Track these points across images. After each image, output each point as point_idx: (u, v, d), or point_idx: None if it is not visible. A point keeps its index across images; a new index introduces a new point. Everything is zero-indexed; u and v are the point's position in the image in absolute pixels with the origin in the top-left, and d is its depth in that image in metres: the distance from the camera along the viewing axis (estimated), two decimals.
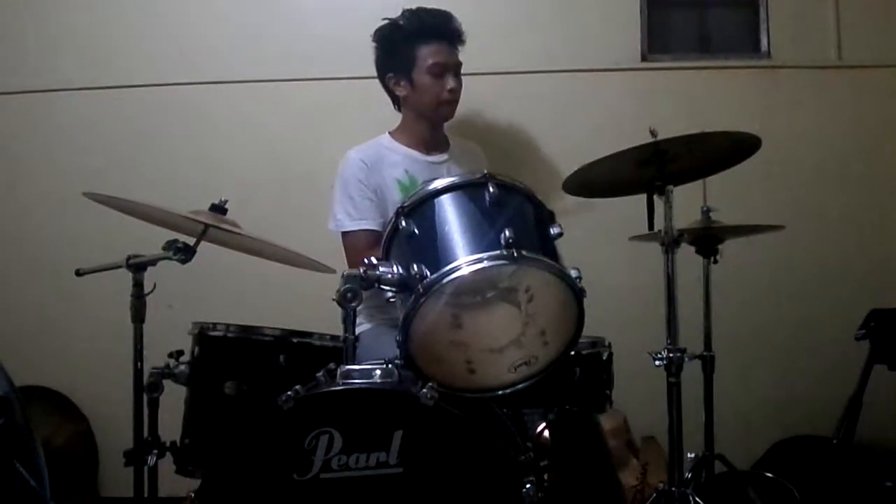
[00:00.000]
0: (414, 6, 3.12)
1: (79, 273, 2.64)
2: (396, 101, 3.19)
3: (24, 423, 2.14)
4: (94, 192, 2.49)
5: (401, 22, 3.10)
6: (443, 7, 3.12)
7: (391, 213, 2.19)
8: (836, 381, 3.35)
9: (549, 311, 2.06)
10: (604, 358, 2.60)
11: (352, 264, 2.82)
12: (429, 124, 3.14)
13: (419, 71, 3.04)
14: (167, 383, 2.46)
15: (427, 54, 3.03)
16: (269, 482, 1.89)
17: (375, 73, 3.18)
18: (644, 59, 3.81)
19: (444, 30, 3.08)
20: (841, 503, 3.20)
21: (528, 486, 1.96)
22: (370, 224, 2.95)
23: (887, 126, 3.75)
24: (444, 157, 3.16)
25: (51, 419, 3.64)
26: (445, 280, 1.92)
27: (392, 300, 2.07)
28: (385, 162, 3.05)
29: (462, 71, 3.11)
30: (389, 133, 3.17)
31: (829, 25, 3.77)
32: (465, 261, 1.94)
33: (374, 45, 3.16)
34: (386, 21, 3.13)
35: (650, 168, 2.61)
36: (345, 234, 2.98)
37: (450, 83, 3.05)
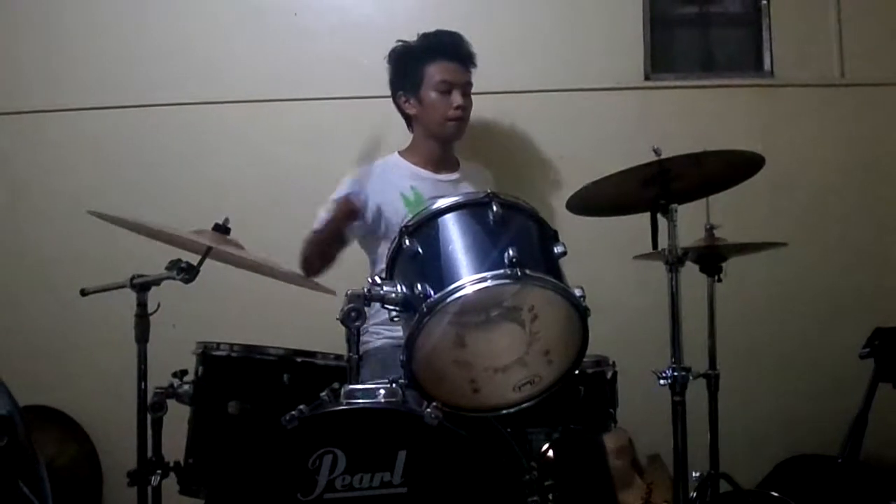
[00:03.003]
0: (421, 28, 3.18)
1: (83, 293, 2.64)
2: (409, 120, 3.23)
3: (27, 443, 2.14)
4: (98, 212, 2.50)
5: (412, 43, 3.16)
6: (447, 28, 3.17)
7: (395, 228, 2.19)
8: (841, 400, 3.33)
9: (554, 330, 2.05)
10: (608, 377, 2.60)
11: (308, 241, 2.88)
12: (438, 143, 3.17)
13: (427, 88, 3.09)
14: (171, 403, 2.46)
15: (435, 72, 3.08)
16: (272, 502, 1.88)
17: (382, 93, 3.24)
18: (647, 77, 3.82)
19: (453, 49, 3.13)
20: None
21: None
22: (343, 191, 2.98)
23: (890, 143, 3.75)
24: (454, 176, 3.19)
25: (54, 439, 3.63)
26: (449, 299, 1.92)
27: (396, 319, 2.07)
28: (391, 176, 3.09)
29: None
30: (399, 152, 3.22)
31: (831, 44, 3.78)
32: (468, 280, 1.94)
33: (387, 65, 3.22)
34: (400, 42, 3.18)
35: (654, 187, 2.61)
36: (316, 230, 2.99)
37: (457, 100, 3.08)
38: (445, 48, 3.13)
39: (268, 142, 3.82)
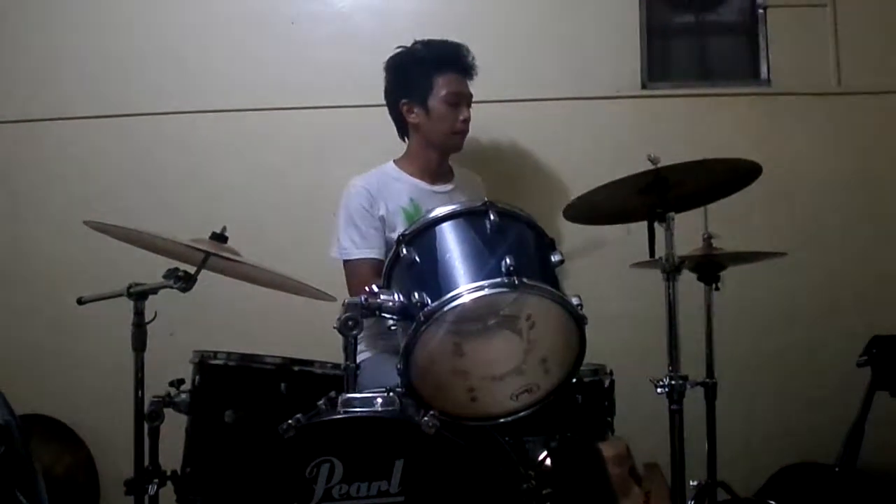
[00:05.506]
0: (419, 37, 3.16)
1: (80, 301, 2.64)
2: (404, 128, 3.20)
3: (24, 452, 2.14)
4: (94, 221, 2.50)
5: (417, 50, 3.13)
6: (446, 37, 3.16)
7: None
8: (838, 408, 3.33)
9: (551, 339, 2.06)
10: (605, 385, 2.59)
11: (354, 293, 2.82)
12: (437, 153, 3.16)
13: (435, 99, 3.06)
14: (168, 412, 2.46)
15: (444, 83, 3.06)
16: None
17: (380, 101, 3.21)
18: (644, 86, 3.82)
19: (459, 61, 3.12)
20: None
21: None
22: (375, 253, 2.94)
23: (887, 152, 3.75)
24: (448, 187, 3.17)
25: (51, 448, 3.63)
26: (447, 308, 1.92)
27: (393, 328, 2.07)
28: (390, 190, 3.06)
29: None
30: (394, 161, 3.18)
31: (828, 52, 3.77)
32: (466, 288, 1.94)
33: (385, 71, 3.18)
34: (401, 49, 3.16)
35: (651, 195, 2.61)
36: (348, 262, 2.98)
37: (464, 113, 3.08)
38: (454, 60, 3.11)
39: (266, 151, 3.82)
